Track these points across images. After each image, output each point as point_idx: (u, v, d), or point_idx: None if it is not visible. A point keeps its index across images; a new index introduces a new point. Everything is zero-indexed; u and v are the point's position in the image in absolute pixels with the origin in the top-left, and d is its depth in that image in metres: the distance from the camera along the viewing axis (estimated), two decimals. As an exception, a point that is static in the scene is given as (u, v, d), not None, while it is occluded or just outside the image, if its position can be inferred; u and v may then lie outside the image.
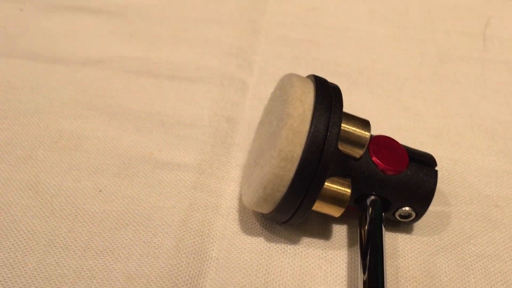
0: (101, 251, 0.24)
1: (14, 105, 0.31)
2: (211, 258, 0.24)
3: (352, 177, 0.23)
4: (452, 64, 0.36)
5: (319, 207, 0.23)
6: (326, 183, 0.22)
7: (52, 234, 0.24)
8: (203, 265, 0.23)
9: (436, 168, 0.24)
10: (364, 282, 0.22)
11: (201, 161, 0.28)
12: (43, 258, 0.23)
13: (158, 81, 0.33)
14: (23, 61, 0.34)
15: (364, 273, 0.22)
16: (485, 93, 0.34)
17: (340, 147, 0.23)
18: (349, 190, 0.23)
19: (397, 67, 0.36)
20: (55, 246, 0.24)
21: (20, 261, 0.23)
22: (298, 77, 0.24)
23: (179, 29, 0.38)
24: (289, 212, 0.23)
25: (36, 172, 0.27)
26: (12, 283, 0.22)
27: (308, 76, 0.24)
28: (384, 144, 0.24)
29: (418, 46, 0.37)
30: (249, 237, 0.25)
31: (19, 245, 0.24)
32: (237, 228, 0.25)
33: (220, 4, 0.40)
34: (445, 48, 0.37)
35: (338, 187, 0.23)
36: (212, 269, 0.23)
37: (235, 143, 0.29)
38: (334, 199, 0.23)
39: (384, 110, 0.32)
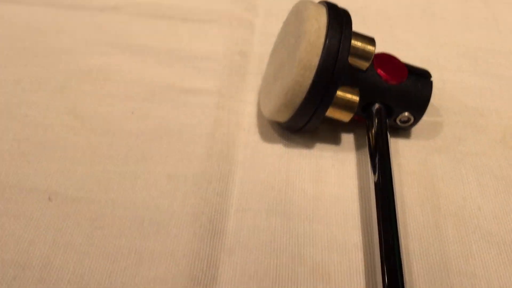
0: (141, 159, 0.27)
1: (42, 46, 0.34)
2: (238, 162, 0.27)
3: (359, 87, 0.26)
4: (439, 3, 0.40)
5: (332, 112, 0.26)
6: (338, 91, 0.26)
7: (95, 148, 0.27)
8: (232, 167, 0.27)
9: (431, 80, 0.28)
10: (376, 183, 0.25)
11: (220, 87, 0.31)
12: (90, 166, 0.26)
13: (173, 22, 0.36)
14: (44, 8, 0.37)
15: (374, 173, 0.26)
16: (468, 26, 0.38)
17: (349, 60, 0.26)
18: (357, 98, 0.26)
19: (389, 7, 0.39)
20: (99, 157, 0.27)
21: (70, 169, 0.26)
22: (311, 1, 0.27)
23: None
24: (306, 117, 0.26)
25: (73, 100, 0.30)
26: (64, 188, 0.25)
27: (320, 2, 0.28)
28: (386, 59, 0.28)
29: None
30: (269, 145, 0.28)
31: (67, 156, 0.27)
32: (258, 139, 0.28)
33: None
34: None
35: (348, 95, 0.26)
36: (240, 170, 0.27)
37: (248, 72, 0.32)
38: (345, 105, 0.26)
39: (379, 42, 0.36)
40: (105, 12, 0.36)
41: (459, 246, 0.24)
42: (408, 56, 0.34)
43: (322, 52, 0.25)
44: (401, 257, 0.22)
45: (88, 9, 0.37)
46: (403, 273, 0.22)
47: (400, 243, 0.23)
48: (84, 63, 0.32)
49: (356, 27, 0.27)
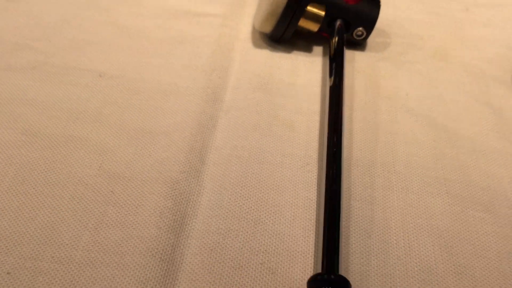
0: (165, 54, 0.37)
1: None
2: (235, 59, 0.37)
3: (326, 4, 0.36)
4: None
5: (303, 22, 0.36)
6: (308, 6, 0.36)
7: (131, 45, 0.37)
8: (230, 62, 0.37)
9: (380, 4, 0.38)
10: (331, 87, 0.35)
11: (223, 12, 0.41)
12: (129, 56, 0.37)
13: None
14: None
15: (330, 76, 0.35)
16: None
17: None
18: (323, 12, 0.36)
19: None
20: (135, 50, 0.37)
21: (114, 58, 0.36)
22: None
23: None
24: (284, 25, 0.36)
25: (115, 17, 0.40)
26: (110, 69, 0.35)
27: None
28: None
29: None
30: (258, 50, 0.38)
31: (111, 48, 0.37)
32: (250, 46, 0.38)
33: None
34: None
35: (315, 9, 0.36)
36: (236, 63, 0.37)
37: (246, 5, 0.42)
38: (313, 17, 0.36)
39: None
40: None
41: (388, 115, 0.34)
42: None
43: None
44: (343, 121, 0.32)
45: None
46: (342, 134, 0.31)
47: (343, 111, 0.32)
48: (122, -7, 0.43)
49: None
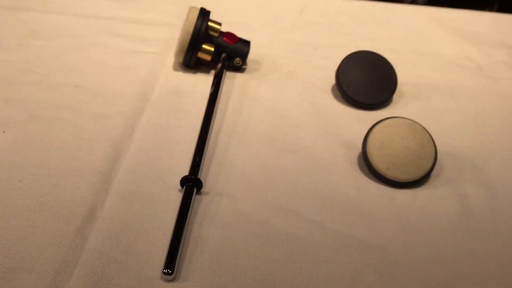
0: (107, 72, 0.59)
1: None
2: (160, 76, 0.60)
3: (214, 44, 0.60)
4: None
5: (201, 55, 0.60)
6: (202, 45, 0.59)
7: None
8: (157, 78, 0.59)
9: (250, 44, 0.61)
10: (210, 94, 0.57)
11: (157, 50, 0.64)
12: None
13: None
14: None
15: (211, 87, 0.58)
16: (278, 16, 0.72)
17: (208, 32, 0.59)
18: (212, 49, 0.59)
19: (242, 9, 0.73)
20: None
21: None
22: (195, 7, 0.60)
23: None
24: (189, 57, 0.59)
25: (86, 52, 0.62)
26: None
27: (200, 8, 0.61)
28: (229, 33, 0.61)
29: None
30: (176, 72, 0.61)
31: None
32: (171, 70, 0.61)
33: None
34: None
35: (207, 47, 0.59)
36: (161, 79, 0.59)
37: (172, 46, 0.66)
38: (207, 51, 0.59)
39: (233, 28, 0.69)
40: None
41: (250, 110, 0.57)
42: (244, 35, 0.68)
43: (194, 27, 0.58)
44: (214, 115, 0.55)
45: None
46: (210, 121, 0.54)
47: (216, 108, 0.55)
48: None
49: (219, 18, 0.60)
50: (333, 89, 0.61)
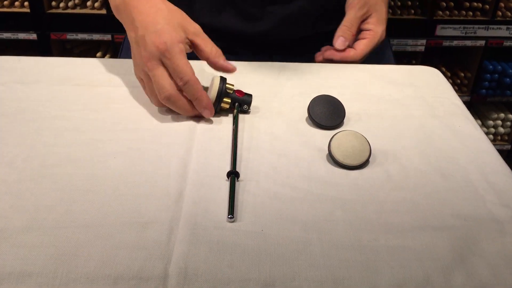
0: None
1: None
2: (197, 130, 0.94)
3: (230, 98, 0.95)
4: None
5: (223, 105, 0.95)
6: (224, 99, 0.94)
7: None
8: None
9: (252, 97, 0.97)
10: (233, 128, 0.93)
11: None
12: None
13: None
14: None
15: (233, 125, 0.93)
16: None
17: (226, 90, 0.95)
18: (229, 100, 0.95)
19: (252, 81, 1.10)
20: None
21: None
22: (216, 76, 0.96)
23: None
24: (216, 106, 0.94)
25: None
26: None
27: (220, 76, 0.97)
28: (238, 90, 0.97)
29: None
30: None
31: (149, 120, 0.93)
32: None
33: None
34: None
35: (227, 99, 0.95)
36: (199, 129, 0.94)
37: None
38: (226, 103, 0.95)
39: (244, 86, 1.05)
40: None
41: (251, 133, 0.92)
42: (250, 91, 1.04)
43: (218, 89, 0.94)
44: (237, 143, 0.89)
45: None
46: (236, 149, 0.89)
47: (238, 139, 0.90)
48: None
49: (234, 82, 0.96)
50: (306, 119, 0.97)
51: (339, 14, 1.10)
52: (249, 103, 0.97)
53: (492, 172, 0.82)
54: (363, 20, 1.03)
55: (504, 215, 0.72)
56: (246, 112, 0.98)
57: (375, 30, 1.02)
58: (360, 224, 0.71)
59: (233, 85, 0.96)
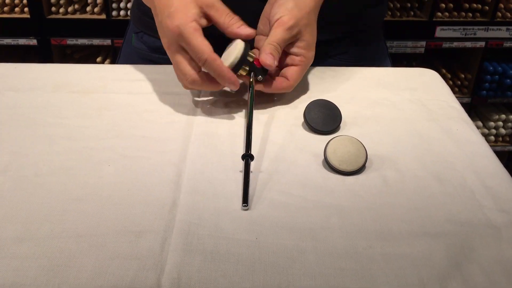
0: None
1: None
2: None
3: (249, 66, 0.94)
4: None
5: (241, 71, 0.92)
6: (243, 65, 0.93)
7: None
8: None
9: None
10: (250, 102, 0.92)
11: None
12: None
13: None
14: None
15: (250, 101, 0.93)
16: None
17: (247, 57, 0.94)
18: (248, 69, 0.93)
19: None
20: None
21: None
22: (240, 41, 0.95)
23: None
24: (234, 71, 0.92)
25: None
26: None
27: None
28: (257, 59, 0.95)
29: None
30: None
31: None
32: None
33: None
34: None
35: (245, 67, 0.92)
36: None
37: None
38: (244, 69, 0.92)
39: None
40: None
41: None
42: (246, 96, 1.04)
43: (240, 56, 0.92)
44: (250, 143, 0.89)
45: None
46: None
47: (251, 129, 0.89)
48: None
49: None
50: (302, 124, 0.96)
51: (329, 23, 1.08)
52: (264, 74, 0.94)
53: (489, 176, 0.81)
54: (291, 42, 0.92)
55: (501, 221, 0.72)
56: (261, 81, 0.93)
57: (306, 56, 0.93)
58: (356, 231, 0.70)
59: (254, 53, 0.90)
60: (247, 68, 0.94)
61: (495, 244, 0.67)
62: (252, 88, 0.93)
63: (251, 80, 0.94)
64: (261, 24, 0.97)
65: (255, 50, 0.97)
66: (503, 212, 0.73)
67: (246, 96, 1.01)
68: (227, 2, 1.14)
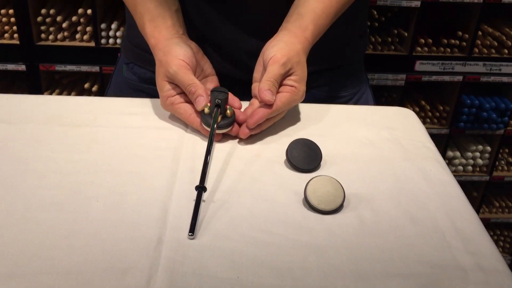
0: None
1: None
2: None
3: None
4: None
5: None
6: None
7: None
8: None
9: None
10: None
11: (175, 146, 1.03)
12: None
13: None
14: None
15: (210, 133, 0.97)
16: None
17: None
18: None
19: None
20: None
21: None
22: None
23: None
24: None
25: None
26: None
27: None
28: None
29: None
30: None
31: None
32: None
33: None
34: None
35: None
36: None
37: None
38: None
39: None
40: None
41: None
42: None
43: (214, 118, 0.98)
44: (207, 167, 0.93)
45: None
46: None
47: (209, 157, 0.93)
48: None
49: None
50: (284, 162, 1.00)
51: (313, 56, 1.13)
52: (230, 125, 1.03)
53: (460, 218, 0.86)
54: (284, 77, 0.99)
55: (468, 263, 0.76)
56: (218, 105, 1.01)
57: (298, 87, 1.00)
58: (333, 271, 0.74)
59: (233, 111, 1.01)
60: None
61: (461, 286, 0.72)
62: (213, 122, 0.98)
63: (213, 114, 1.00)
64: (256, 73, 1.05)
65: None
66: (471, 254, 0.78)
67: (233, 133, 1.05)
68: (219, 40, 1.20)
